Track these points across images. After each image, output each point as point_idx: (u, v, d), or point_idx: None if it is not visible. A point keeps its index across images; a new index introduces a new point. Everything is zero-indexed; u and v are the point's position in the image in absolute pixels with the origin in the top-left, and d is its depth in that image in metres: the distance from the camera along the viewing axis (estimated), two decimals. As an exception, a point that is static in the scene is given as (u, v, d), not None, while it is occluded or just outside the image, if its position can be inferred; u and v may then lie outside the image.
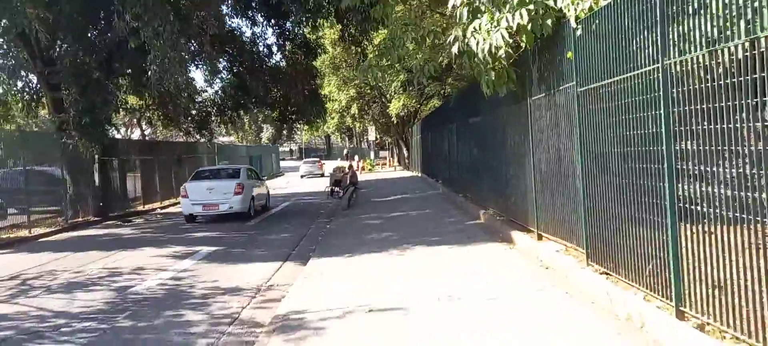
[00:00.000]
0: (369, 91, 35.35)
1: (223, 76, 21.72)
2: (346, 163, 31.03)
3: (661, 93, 3.95)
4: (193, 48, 18.13)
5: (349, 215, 13.85)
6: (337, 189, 21.50)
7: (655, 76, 4.03)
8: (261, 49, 19.99)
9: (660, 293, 4.15)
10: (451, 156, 15.35)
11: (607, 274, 5.11)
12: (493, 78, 7.11)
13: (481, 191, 11.09)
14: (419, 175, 27.24)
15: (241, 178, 14.97)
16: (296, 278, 7.26)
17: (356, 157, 42.79)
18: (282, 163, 57.21)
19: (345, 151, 70.12)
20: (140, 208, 19.75)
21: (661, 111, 3.95)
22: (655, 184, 4.15)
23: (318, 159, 46.04)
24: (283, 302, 5.95)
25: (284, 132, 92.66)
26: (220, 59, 19.70)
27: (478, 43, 6.34)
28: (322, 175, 37.09)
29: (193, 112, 22.36)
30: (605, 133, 5.01)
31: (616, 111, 4.72)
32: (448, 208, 13.26)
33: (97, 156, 16.55)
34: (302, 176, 38.50)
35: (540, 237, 7.27)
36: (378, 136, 44.32)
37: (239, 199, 14.43)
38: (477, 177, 11.46)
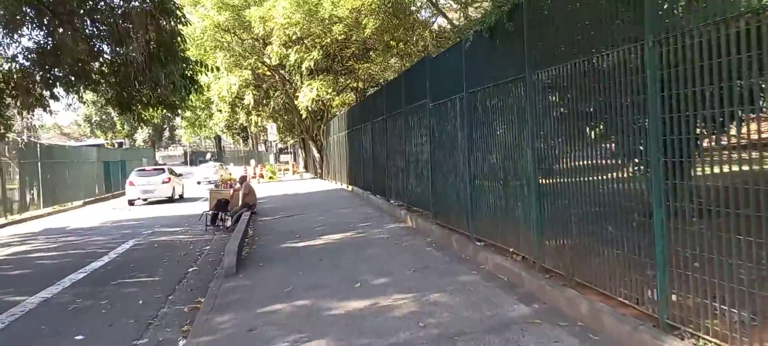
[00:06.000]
0: (268, 73, 27.02)
1: (27, 32, 12.65)
2: (228, 172, 22.29)
3: None
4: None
5: (242, 304, 5.85)
6: (222, 215, 13.24)
7: None
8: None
9: None
10: (448, 159, 7.89)
11: None
12: None
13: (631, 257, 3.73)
14: (346, 187, 19.47)
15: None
16: None
17: (253, 162, 33.43)
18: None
19: (208, 156, 59.85)
20: None
21: None
22: None
23: (162, 167, 24.02)
24: None
25: (165, 132, 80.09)
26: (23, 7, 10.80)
27: None
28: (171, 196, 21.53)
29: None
30: None
31: None
32: (481, 287, 5.76)
33: None
34: (131, 202, 21.47)
35: None
36: (280, 136, 35.83)
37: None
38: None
